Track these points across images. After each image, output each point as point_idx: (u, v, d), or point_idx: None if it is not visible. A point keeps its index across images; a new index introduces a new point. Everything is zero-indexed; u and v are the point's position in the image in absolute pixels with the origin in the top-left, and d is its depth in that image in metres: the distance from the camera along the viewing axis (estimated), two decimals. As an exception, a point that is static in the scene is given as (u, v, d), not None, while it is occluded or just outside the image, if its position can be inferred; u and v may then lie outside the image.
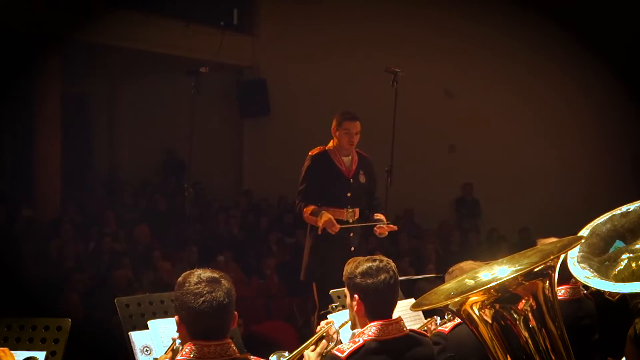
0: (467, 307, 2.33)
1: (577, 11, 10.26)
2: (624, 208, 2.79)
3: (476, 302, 2.31)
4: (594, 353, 3.83)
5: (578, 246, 2.61)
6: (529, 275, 2.30)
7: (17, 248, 8.46)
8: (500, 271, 2.47)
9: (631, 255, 2.70)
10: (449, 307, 2.43)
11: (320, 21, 11.97)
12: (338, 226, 5.49)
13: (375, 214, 5.73)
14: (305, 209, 5.62)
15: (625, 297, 2.73)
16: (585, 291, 4.01)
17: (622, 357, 2.66)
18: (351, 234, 5.68)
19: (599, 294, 3.54)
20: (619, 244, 2.73)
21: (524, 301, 2.31)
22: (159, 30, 10.72)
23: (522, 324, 2.32)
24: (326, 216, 5.50)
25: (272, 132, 12.59)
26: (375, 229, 5.64)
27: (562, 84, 10.94)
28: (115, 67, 12.30)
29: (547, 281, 2.32)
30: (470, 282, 2.51)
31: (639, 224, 2.74)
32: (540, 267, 2.31)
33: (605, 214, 2.79)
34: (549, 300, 2.33)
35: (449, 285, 2.57)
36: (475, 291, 2.34)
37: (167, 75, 11.83)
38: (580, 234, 2.74)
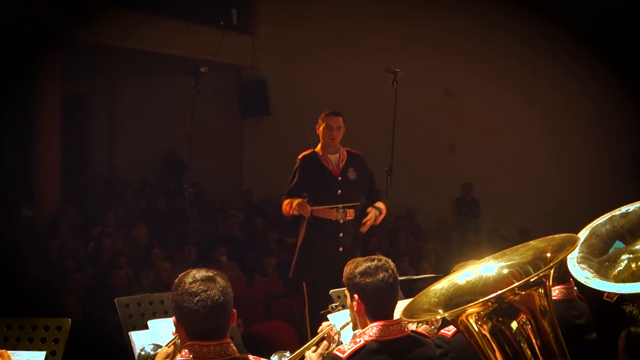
0: (463, 318, 2.29)
1: (577, 11, 10.26)
2: (623, 209, 2.78)
3: (472, 314, 2.27)
4: (591, 352, 3.82)
5: (577, 247, 2.58)
6: (524, 286, 2.26)
7: (16, 248, 8.45)
8: (485, 268, 2.44)
9: (631, 255, 2.70)
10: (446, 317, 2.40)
11: (320, 21, 11.96)
12: (309, 209, 5.52)
13: (369, 208, 5.73)
14: (284, 201, 5.67)
15: (624, 298, 2.73)
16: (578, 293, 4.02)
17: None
18: (341, 234, 5.68)
19: (594, 295, 3.53)
20: (618, 244, 2.72)
21: (521, 313, 2.26)
22: (159, 30, 10.71)
23: (520, 338, 2.28)
24: (298, 200, 5.55)
25: (272, 132, 12.57)
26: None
27: (562, 83, 10.94)
28: (115, 67, 12.28)
29: (542, 289, 2.28)
30: (461, 281, 2.46)
31: (639, 225, 2.74)
32: (535, 278, 2.27)
33: (605, 215, 2.79)
34: (546, 309, 2.29)
35: (438, 286, 2.50)
36: (470, 304, 2.29)
37: (167, 75, 11.82)
38: (580, 234, 2.73)
